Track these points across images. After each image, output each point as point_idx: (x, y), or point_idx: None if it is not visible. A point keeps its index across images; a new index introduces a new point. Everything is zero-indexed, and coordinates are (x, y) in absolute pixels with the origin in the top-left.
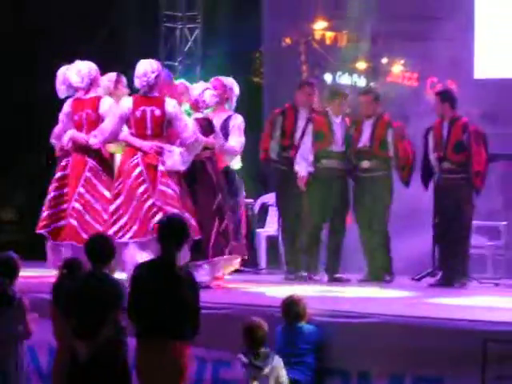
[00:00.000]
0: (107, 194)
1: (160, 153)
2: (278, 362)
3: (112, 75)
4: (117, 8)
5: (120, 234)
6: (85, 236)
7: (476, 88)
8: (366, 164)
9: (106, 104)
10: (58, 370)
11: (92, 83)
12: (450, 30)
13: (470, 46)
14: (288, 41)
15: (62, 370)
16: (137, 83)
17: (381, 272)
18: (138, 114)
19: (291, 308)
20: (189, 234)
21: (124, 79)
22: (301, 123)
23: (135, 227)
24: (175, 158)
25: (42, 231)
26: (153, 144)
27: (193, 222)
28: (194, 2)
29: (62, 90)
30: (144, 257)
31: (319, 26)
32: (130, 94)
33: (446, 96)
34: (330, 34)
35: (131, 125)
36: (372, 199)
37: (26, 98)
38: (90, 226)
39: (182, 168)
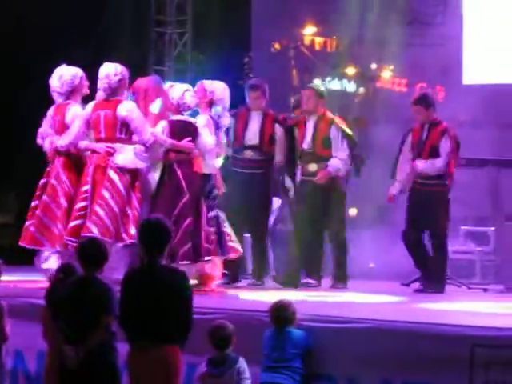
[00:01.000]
0: (63, 202)
1: (111, 153)
2: (241, 365)
3: None
4: (107, 13)
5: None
6: (43, 240)
7: (465, 93)
8: (312, 167)
9: (71, 112)
10: (49, 374)
11: (73, 91)
12: (439, 35)
13: (458, 52)
14: (277, 46)
15: (54, 374)
16: (99, 85)
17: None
18: (93, 117)
19: (280, 313)
20: (170, 236)
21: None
22: (252, 125)
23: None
24: (127, 155)
25: (23, 244)
26: (104, 144)
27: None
28: (184, 6)
29: (54, 95)
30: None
31: (308, 31)
32: None
33: (429, 102)
34: (319, 40)
35: (90, 128)
36: (322, 206)
37: (15, 99)
38: (48, 230)
39: (138, 166)
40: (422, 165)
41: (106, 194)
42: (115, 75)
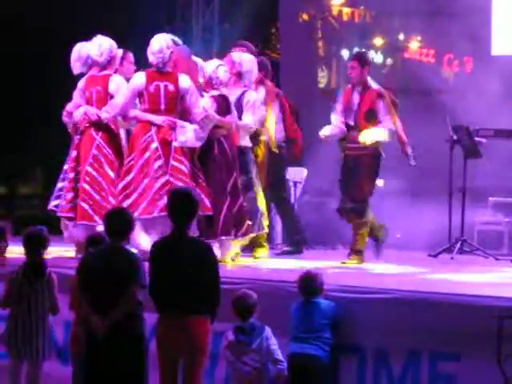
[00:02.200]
0: (111, 173)
1: (173, 128)
2: (267, 333)
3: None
4: None
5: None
6: (96, 217)
7: (493, 64)
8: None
9: (115, 82)
10: (76, 344)
11: (110, 61)
12: (467, 6)
13: (487, 23)
14: (305, 16)
15: (80, 343)
16: (152, 59)
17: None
18: (151, 88)
19: (308, 283)
20: (197, 208)
21: (130, 56)
22: None
23: (144, 204)
24: (188, 134)
25: (63, 214)
26: (166, 118)
27: (204, 198)
28: None
29: (76, 67)
30: (145, 237)
31: (336, 1)
32: (136, 71)
33: (366, 60)
34: (346, 10)
35: (144, 100)
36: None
37: (41, 73)
38: (100, 206)
39: (197, 145)
40: (368, 135)
41: (183, 168)
42: (168, 48)
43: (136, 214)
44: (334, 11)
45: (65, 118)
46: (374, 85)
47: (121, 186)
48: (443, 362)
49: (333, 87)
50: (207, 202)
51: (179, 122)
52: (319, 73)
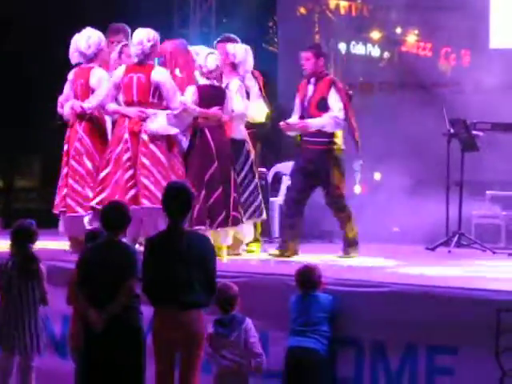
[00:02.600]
0: (89, 164)
1: (144, 118)
2: (247, 325)
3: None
4: None
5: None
6: (78, 207)
7: (491, 58)
8: None
9: (96, 76)
10: (73, 338)
11: (97, 53)
12: None
13: (485, 16)
14: (302, 10)
15: (78, 337)
16: (132, 51)
17: None
18: (125, 80)
19: (306, 277)
20: (192, 201)
21: (128, 49)
22: None
23: (116, 197)
24: (159, 120)
25: (56, 211)
26: (137, 109)
27: None
28: None
29: (74, 57)
30: None
31: None
32: None
33: (320, 51)
34: (344, 4)
35: (121, 92)
36: None
37: (36, 68)
38: (83, 197)
39: (171, 132)
40: (315, 122)
41: (147, 162)
42: (148, 41)
43: None
44: (332, 5)
45: (59, 110)
46: (328, 76)
47: (99, 177)
48: (440, 356)
49: None
50: None
51: (150, 111)
52: None
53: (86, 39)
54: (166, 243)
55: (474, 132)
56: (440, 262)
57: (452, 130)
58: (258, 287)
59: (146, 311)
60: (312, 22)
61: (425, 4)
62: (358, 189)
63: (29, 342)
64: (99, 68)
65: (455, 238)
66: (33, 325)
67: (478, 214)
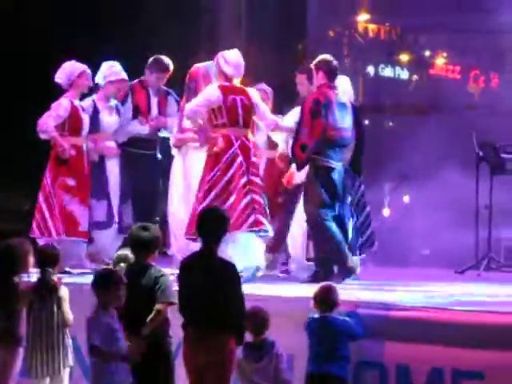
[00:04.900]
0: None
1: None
2: (277, 350)
3: None
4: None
5: None
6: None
7: None
8: None
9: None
10: None
11: (72, 84)
12: (493, 22)
13: None
14: (331, 33)
15: None
16: (230, 71)
17: None
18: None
19: (326, 297)
20: (227, 226)
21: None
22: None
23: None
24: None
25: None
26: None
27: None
28: None
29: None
30: None
31: (362, 18)
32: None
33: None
34: (372, 27)
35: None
36: None
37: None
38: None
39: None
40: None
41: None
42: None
43: None
44: (360, 28)
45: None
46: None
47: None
48: (466, 381)
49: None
50: None
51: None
52: None
53: (60, 70)
54: (198, 266)
55: (503, 155)
56: (469, 285)
57: (481, 153)
58: (275, 310)
59: (176, 335)
60: (341, 45)
61: (453, 27)
62: (386, 212)
63: (59, 365)
64: (63, 99)
65: (485, 262)
66: (61, 349)
67: (508, 237)
